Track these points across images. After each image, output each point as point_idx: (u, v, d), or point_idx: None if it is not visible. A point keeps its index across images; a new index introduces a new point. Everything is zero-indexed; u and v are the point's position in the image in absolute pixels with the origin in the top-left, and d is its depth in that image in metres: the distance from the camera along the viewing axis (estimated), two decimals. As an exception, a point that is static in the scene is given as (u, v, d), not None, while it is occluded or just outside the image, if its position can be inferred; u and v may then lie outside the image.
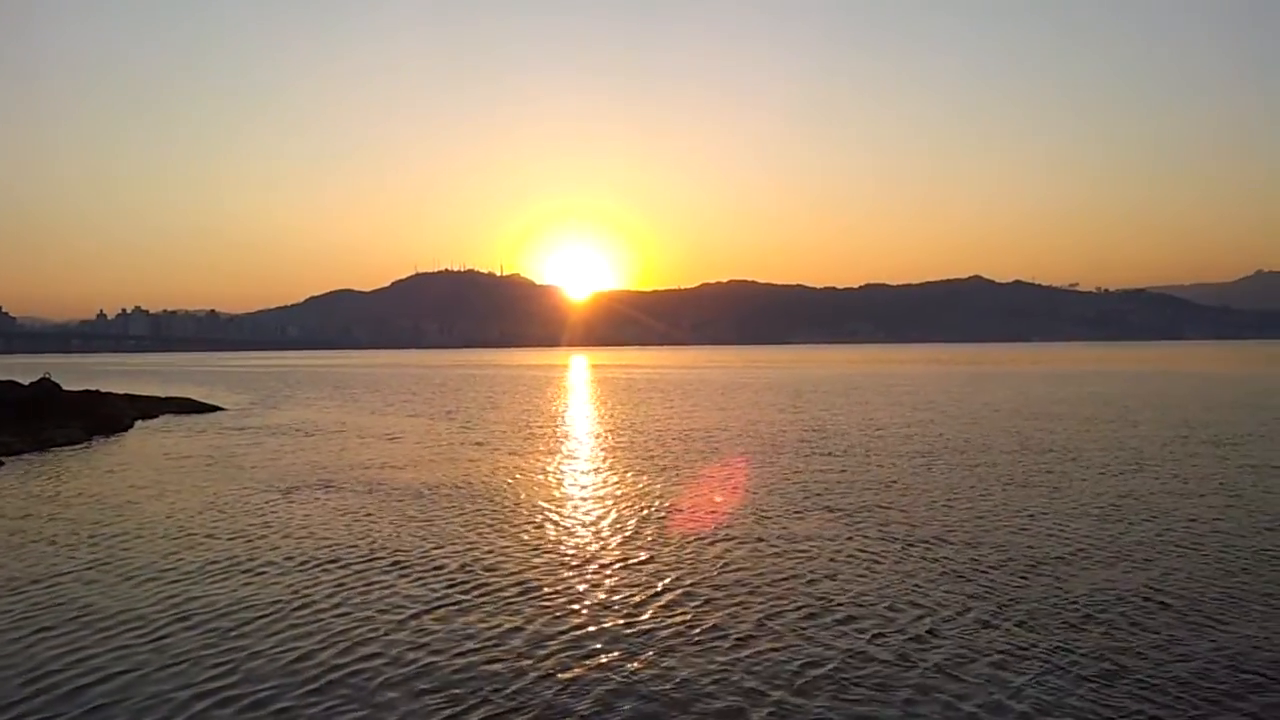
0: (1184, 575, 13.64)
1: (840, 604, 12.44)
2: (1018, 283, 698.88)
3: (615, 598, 12.92)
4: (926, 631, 11.26)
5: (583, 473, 25.42)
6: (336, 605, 12.67)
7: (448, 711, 9.17)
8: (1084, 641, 10.81)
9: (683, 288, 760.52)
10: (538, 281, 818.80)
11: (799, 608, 12.29)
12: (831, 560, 14.82)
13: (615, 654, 10.67)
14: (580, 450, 30.84)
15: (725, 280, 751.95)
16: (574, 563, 14.98)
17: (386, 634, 11.41)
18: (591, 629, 11.57)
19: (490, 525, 18.02)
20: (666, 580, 13.77)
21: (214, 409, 51.58)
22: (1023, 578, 13.58)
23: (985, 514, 18.37)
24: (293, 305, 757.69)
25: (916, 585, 13.30)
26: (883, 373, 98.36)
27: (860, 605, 12.37)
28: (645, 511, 19.29)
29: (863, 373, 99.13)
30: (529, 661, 10.45)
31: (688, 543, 16.22)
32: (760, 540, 16.29)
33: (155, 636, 11.38)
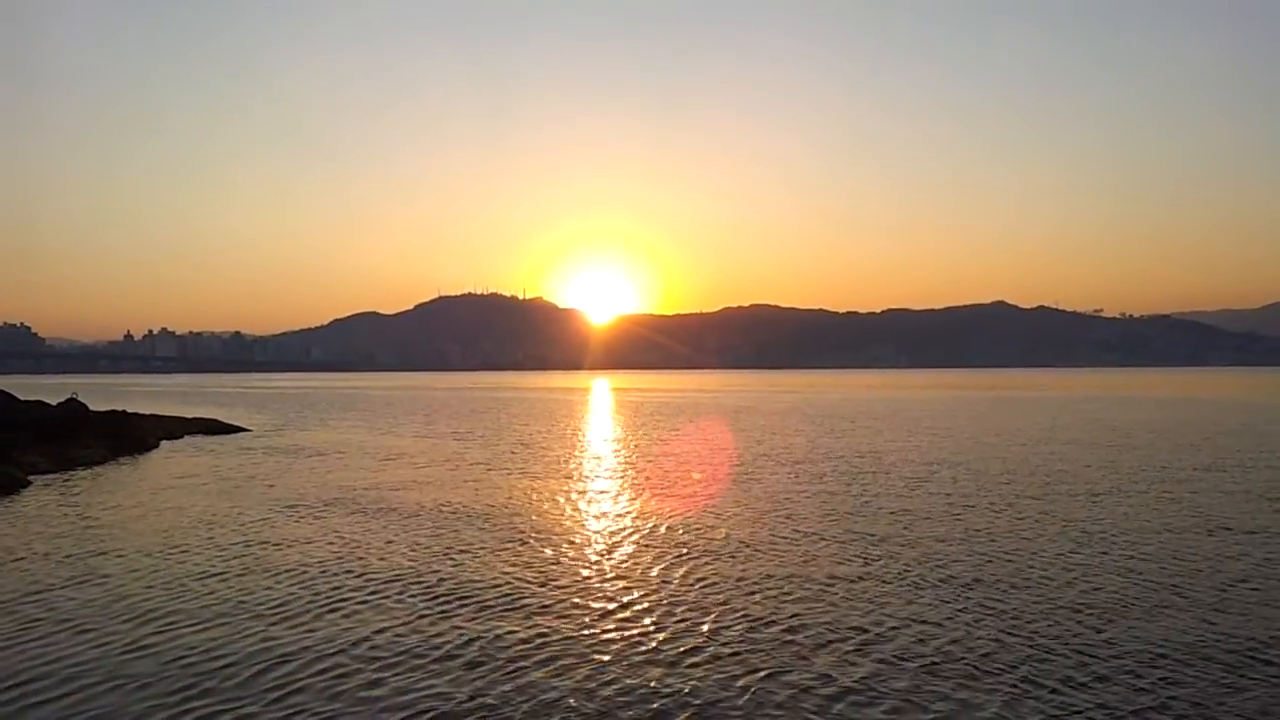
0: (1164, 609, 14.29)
1: (808, 625, 13.18)
2: (1041, 308, 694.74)
3: (596, 617, 13.69)
4: (895, 655, 11.98)
5: (590, 497, 26.05)
6: (326, 621, 13.49)
7: None
8: (1045, 662, 11.54)
9: (705, 311, 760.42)
10: (560, 305, 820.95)
11: (767, 627, 13.05)
12: (805, 584, 15.53)
13: (590, 670, 11.47)
14: (592, 475, 31.52)
15: (747, 304, 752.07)
16: (566, 582, 15.73)
17: (365, 646, 12.22)
18: (569, 646, 12.34)
19: (486, 545, 18.79)
20: (647, 600, 14.55)
21: (238, 430, 52.73)
22: (990, 601, 14.29)
23: (966, 541, 19.00)
24: (317, 327, 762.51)
25: (883, 609, 14.00)
26: (898, 398, 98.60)
27: (828, 627, 13.10)
28: (637, 533, 20.05)
29: (879, 398, 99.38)
30: (499, 673, 11.24)
31: (671, 563, 16.99)
32: (738, 560, 17.01)
33: (139, 648, 12.12)
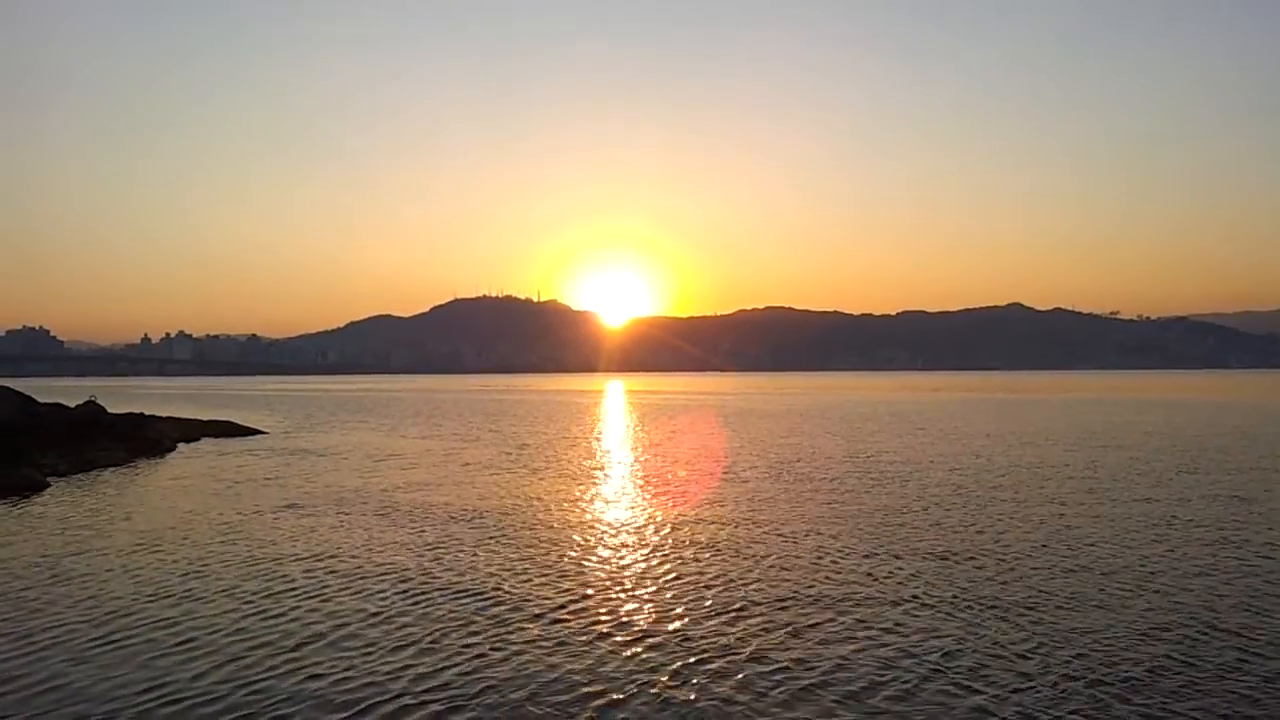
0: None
1: (776, 621, 13.85)
2: (1057, 310, 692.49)
3: (571, 613, 14.37)
4: (851, 652, 12.64)
5: (585, 497, 26.63)
6: (310, 616, 14.21)
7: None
8: (999, 659, 12.19)
9: (719, 314, 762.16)
10: (574, 307, 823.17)
11: (736, 623, 13.73)
12: (778, 581, 16.16)
13: (556, 662, 12.15)
14: (590, 476, 32.04)
15: (761, 307, 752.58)
16: (546, 578, 16.39)
17: (344, 641, 12.94)
18: (541, 638, 13.02)
19: (474, 542, 19.46)
20: (622, 596, 15.26)
21: (254, 432, 53.66)
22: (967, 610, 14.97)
23: (940, 539, 19.56)
24: (332, 330, 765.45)
25: (848, 606, 14.67)
26: (908, 400, 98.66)
27: (793, 624, 13.77)
28: (625, 532, 20.71)
29: (888, 400, 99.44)
30: (467, 664, 11.94)
31: (655, 561, 17.65)
32: (718, 559, 17.68)
33: (133, 640, 12.88)
